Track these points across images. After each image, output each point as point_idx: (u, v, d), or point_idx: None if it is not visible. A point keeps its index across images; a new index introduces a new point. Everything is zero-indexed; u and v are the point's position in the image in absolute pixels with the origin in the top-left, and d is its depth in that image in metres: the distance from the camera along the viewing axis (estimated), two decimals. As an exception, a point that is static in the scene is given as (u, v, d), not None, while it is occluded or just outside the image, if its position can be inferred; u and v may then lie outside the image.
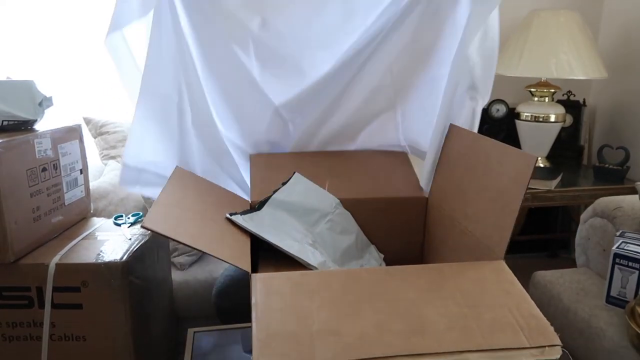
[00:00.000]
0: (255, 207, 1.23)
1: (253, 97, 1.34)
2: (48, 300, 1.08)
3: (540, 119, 2.16)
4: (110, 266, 1.07)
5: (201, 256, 1.77)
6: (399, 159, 1.44)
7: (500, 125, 2.29)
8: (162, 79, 1.25)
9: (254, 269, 0.96)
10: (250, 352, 0.69)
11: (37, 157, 1.15)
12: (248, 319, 0.75)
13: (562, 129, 2.26)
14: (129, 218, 1.32)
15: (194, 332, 1.34)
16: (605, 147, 2.25)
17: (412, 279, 0.84)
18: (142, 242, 1.18)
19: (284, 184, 1.29)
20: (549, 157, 2.28)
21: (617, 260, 1.31)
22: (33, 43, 1.94)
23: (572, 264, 1.70)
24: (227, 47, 1.28)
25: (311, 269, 1.06)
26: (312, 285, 0.81)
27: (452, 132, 1.27)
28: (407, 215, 1.32)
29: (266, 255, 1.09)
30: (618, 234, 1.40)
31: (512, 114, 2.27)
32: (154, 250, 1.27)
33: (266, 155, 1.41)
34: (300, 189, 1.28)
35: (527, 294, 0.79)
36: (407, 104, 1.40)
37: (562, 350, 0.68)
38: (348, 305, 0.77)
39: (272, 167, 1.36)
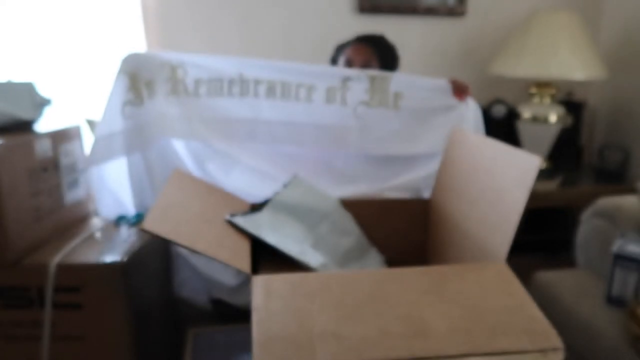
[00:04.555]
0: (256, 208, 1.23)
1: None
2: (48, 300, 1.08)
3: (541, 120, 2.16)
4: (110, 266, 1.07)
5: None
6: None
7: (500, 125, 2.29)
8: None
9: (255, 271, 0.96)
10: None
11: (37, 157, 1.15)
12: (247, 319, 0.75)
13: (563, 129, 2.26)
14: (130, 218, 1.31)
15: (194, 332, 1.34)
16: (605, 147, 2.25)
17: (414, 281, 0.84)
18: (143, 242, 1.18)
19: (284, 186, 1.29)
20: (549, 158, 2.28)
21: (617, 260, 1.31)
22: (33, 44, 1.94)
23: (572, 264, 1.70)
24: None
25: (312, 271, 1.06)
26: (312, 287, 0.81)
27: (455, 134, 1.27)
28: (409, 216, 1.32)
29: (266, 257, 1.09)
30: (618, 234, 1.40)
31: (512, 115, 2.27)
32: (155, 250, 1.27)
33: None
34: (300, 191, 1.28)
35: (529, 296, 0.78)
36: None
37: (565, 354, 0.68)
38: (349, 307, 0.77)
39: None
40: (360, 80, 1.45)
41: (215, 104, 1.43)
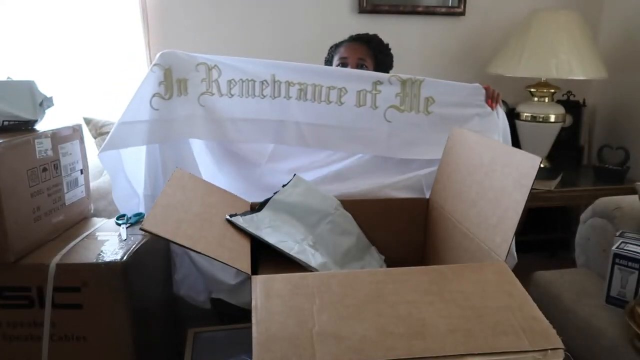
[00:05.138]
0: (256, 208, 1.23)
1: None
2: (48, 300, 1.07)
3: (540, 119, 2.16)
4: (110, 266, 1.07)
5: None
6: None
7: (500, 125, 2.28)
8: None
9: (254, 271, 0.96)
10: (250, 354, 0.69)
11: (37, 157, 1.15)
12: (247, 319, 0.75)
13: (562, 129, 2.26)
14: (130, 218, 1.31)
15: (194, 332, 1.34)
16: (605, 147, 2.25)
17: (413, 281, 0.84)
18: (143, 242, 1.18)
19: (284, 186, 1.29)
20: (549, 157, 2.28)
21: (617, 260, 1.31)
22: (33, 43, 1.94)
23: (572, 264, 1.70)
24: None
25: (311, 271, 1.06)
26: (312, 287, 0.81)
27: (455, 134, 1.27)
28: (408, 216, 1.32)
29: (266, 256, 1.09)
30: (618, 234, 1.40)
31: (512, 114, 2.26)
32: (155, 250, 1.27)
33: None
34: (300, 191, 1.28)
35: (529, 295, 0.79)
36: None
37: (565, 354, 0.68)
38: (348, 307, 0.77)
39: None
40: (391, 84, 1.44)
41: (246, 105, 1.44)
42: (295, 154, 1.54)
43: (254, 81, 1.44)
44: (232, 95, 1.43)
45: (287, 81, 1.44)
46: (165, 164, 1.39)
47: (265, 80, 1.44)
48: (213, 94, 1.43)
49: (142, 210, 1.39)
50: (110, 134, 1.32)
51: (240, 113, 1.45)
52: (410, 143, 1.47)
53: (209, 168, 1.50)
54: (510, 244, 1.32)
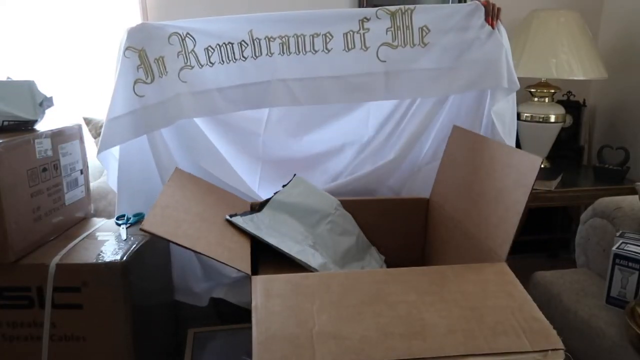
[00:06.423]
0: (256, 208, 1.23)
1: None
2: (48, 300, 1.08)
3: (540, 120, 2.16)
4: (110, 266, 1.07)
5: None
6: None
7: (500, 125, 2.28)
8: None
9: (254, 271, 0.96)
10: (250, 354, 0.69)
11: (37, 157, 1.15)
12: (247, 319, 0.75)
13: (562, 129, 2.26)
14: (130, 218, 1.31)
15: (194, 332, 1.34)
16: (605, 148, 2.25)
17: (413, 281, 0.84)
18: (143, 242, 1.18)
19: (284, 186, 1.29)
20: (549, 158, 2.28)
21: (617, 260, 1.31)
22: (33, 43, 1.94)
23: (572, 264, 1.69)
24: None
25: (311, 271, 1.06)
26: (312, 287, 0.81)
27: (456, 133, 1.27)
28: (409, 216, 1.32)
29: (266, 256, 1.09)
30: (618, 234, 1.40)
31: (512, 114, 2.26)
32: (155, 250, 1.27)
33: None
34: (300, 191, 1.28)
35: (529, 296, 0.79)
36: None
37: (565, 354, 0.68)
38: (348, 307, 0.77)
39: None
40: (379, 18, 1.31)
41: (229, 71, 1.34)
42: (293, 114, 1.47)
43: (232, 44, 1.32)
44: (213, 64, 1.32)
45: (267, 37, 1.31)
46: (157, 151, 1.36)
47: (244, 41, 1.31)
48: (192, 67, 1.31)
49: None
50: (102, 133, 1.25)
51: (225, 81, 1.33)
52: (411, 82, 1.35)
53: (209, 148, 1.43)
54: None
